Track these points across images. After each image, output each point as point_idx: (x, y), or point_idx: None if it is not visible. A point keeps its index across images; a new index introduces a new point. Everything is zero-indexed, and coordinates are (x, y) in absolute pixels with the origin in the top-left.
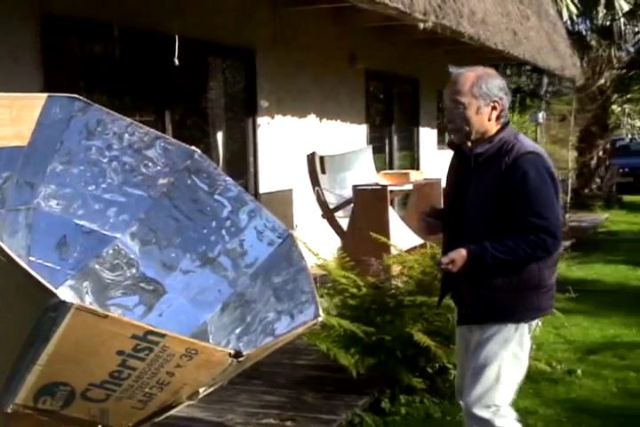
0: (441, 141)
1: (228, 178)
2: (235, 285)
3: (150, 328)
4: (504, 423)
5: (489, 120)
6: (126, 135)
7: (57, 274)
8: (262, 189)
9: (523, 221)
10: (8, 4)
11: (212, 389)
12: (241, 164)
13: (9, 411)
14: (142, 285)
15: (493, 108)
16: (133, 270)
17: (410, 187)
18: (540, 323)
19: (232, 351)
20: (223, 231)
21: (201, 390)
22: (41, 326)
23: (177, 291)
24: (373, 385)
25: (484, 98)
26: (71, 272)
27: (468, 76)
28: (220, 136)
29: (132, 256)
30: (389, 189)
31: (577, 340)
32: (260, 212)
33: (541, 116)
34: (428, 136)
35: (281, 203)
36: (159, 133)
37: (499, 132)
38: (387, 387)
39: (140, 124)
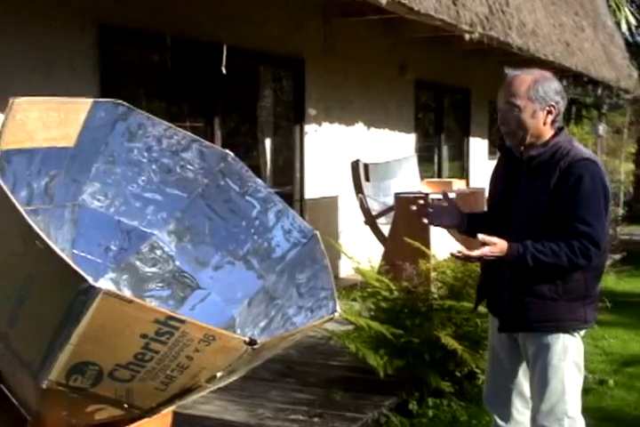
0: (492, 152)
1: (258, 180)
2: (262, 281)
3: (171, 314)
4: None
5: (544, 124)
6: (165, 138)
7: (98, 267)
8: (308, 195)
9: (568, 226)
10: (68, 13)
11: (233, 378)
12: (288, 170)
13: (44, 387)
14: (177, 279)
15: (549, 112)
16: (169, 266)
17: (453, 195)
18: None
19: (247, 339)
20: (252, 230)
21: (218, 374)
22: (73, 309)
23: (208, 286)
24: (402, 387)
25: (540, 101)
26: (111, 265)
27: (525, 78)
28: (268, 142)
29: (169, 252)
30: (431, 197)
31: (615, 352)
32: (287, 212)
33: (602, 128)
34: (478, 146)
35: (326, 209)
36: (195, 137)
37: (554, 136)
38: (415, 389)
39: (178, 128)
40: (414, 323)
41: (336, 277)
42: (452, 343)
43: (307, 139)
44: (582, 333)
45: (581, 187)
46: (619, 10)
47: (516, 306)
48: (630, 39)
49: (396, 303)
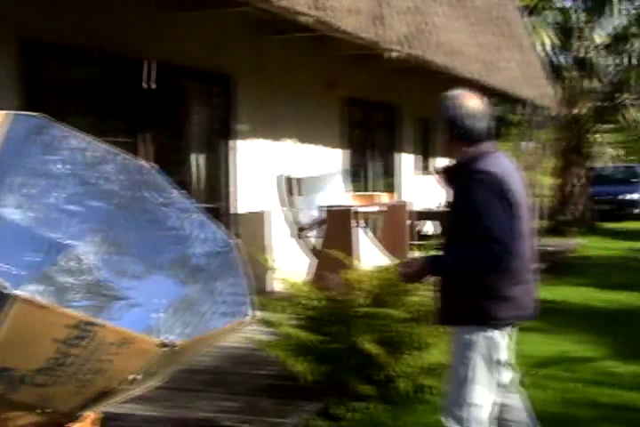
0: (419, 167)
1: (177, 191)
2: (183, 289)
3: (85, 318)
4: None
5: (450, 141)
6: (85, 151)
7: (20, 279)
8: (237, 210)
9: (473, 233)
10: None
11: (154, 382)
12: (217, 185)
13: None
14: (99, 289)
15: (452, 129)
16: (90, 276)
17: (378, 208)
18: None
19: (162, 341)
20: (173, 240)
21: (136, 377)
22: None
23: (130, 295)
24: (325, 392)
25: (445, 120)
26: (33, 277)
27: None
28: (196, 158)
29: (90, 263)
30: (358, 209)
31: (531, 355)
32: (206, 222)
33: (527, 145)
34: (407, 162)
35: (256, 223)
36: (115, 150)
37: (468, 151)
38: (338, 394)
39: (98, 141)
40: (337, 330)
41: (266, 290)
42: (373, 348)
43: (235, 154)
44: (506, 331)
45: (473, 197)
46: (537, 31)
47: (438, 302)
48: (548, 59)
49: (319, 312)
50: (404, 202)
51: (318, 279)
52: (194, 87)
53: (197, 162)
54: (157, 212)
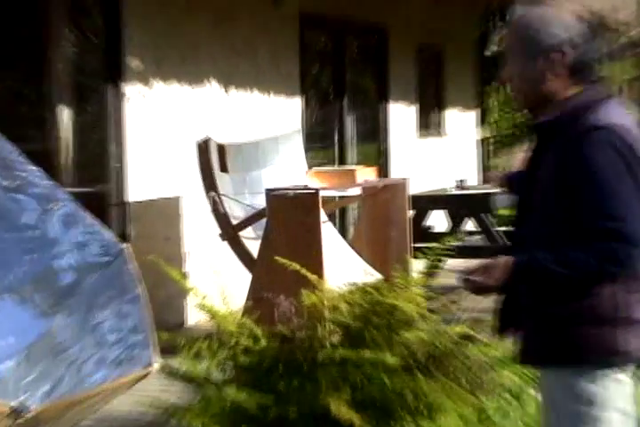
0: (424, 125)
1: (32, 167)
2: (44, 323)
3: None
4: None
5: (547, 80)
6: None
7: None
8: (133, 197)
9: (588, 225)
10: None
11: None
12: (99, 158)
13: None
14: None
15: (551, 62)
16: None
17: (357, 192)
18: None
19: (11, 406)
20: (29, 246)
21: None
22: None
23: None
24: None
25: (534, 49)
26: None
27: (516, 20)
28: (65, 114)
29: None
30: (323, 194)
31: None
32: (79, 216)
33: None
34: (402, 117)
35: (163, 217)
36: None
37: (574, 96)
38: None
39: None
40: (292, 386)
41: (181, 324)
42: (349, 414)
43: (128, 107)
44: (628, 371)
45: (591, 170)
46: None
47: (524, 332)
48: None
49: (263, 356)
50: (404, 180)
51: (260, 305)
52: (60, 2)
53: (69, 120)
54: (6, 201)
